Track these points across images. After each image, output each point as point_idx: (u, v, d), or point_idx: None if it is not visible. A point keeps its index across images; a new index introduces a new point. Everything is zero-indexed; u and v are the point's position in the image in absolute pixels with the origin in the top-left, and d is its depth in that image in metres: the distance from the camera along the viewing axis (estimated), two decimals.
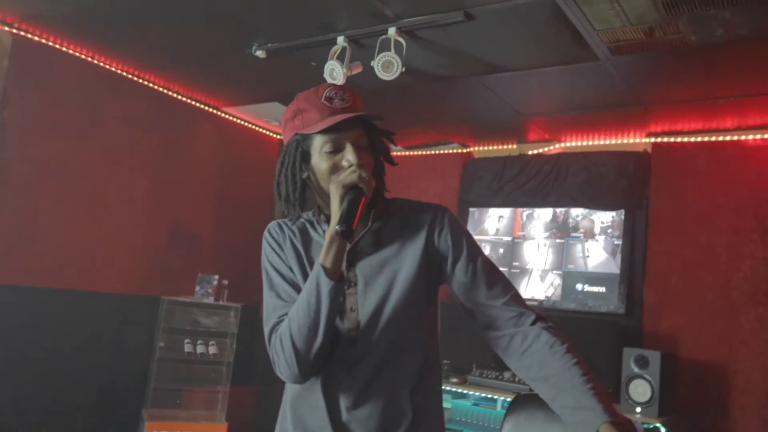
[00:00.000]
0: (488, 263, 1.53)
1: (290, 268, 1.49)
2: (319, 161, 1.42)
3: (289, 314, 1.41)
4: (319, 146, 1.42)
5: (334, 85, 1.47)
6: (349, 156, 1.40)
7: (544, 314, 1.46)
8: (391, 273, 1.48)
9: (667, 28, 2.49)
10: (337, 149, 1.41)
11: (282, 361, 1.38)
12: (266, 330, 1.43)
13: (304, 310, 1.38)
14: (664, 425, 3.22)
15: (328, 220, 1.46)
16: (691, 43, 2.61)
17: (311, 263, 1.48)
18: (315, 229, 1.52)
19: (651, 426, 3.19)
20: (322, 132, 1.40)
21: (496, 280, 1.50)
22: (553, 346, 1.38)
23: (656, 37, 2.58)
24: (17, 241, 3.40)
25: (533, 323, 1.42)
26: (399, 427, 1.43)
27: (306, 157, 1.45)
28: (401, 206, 1.58)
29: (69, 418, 3.62)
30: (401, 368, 1.46)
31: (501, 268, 3.26)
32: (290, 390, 1.51)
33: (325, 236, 1.43)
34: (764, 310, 3.36)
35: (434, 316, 1.60)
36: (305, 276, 1.46)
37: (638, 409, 3.19)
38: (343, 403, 1.44)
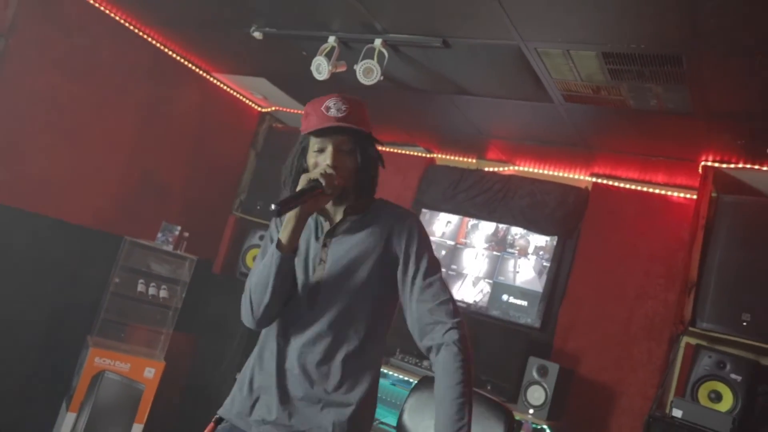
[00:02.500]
0: (431, 271, 1.70)
1: None
2: (310, 157, 1.70)
3: (250, 273, 1.70)
4: (311, 146, 1.70)
5: (338, 96, 1.71)
6: (325, 157, 1.67)
7: (459, 322, 1.65)
8: (354, 256, 1.71)
9: (611, 90, 2.81)
10: (321, 150, 1.68)
11: (242, 308, 1.70)
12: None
13: (260, 272, 1.67)
14: (550, 428, 3.56)
15: (320, 209, 1.74)
16: (630, 106, 2.92)
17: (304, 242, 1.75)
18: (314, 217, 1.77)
19: (539, 427, 3.54)
20: (313, 134, 1.68)
21: (430, 286, 1.68)
22: (446, 365, 1.62)
23: (602, 95, 2.90)
24: (3, 156, 3.51)
25: (444, 333, 1.63)
26: (325, 385, 1.66)
27: (304, 152, 1.73)
28: (380, 206, 1.80)
29: (18, 332, 3.74)
30: (343, 337, 1.69)
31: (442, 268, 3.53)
32: (260, 339, 1.79)
33: (310, 220, 1.75)
34: (655, 344, 3.71)
35: (387, 304, 1.78)
36: None
37: (531, 411, 3.50)
38: (291, 354, 1.69)
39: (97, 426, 3.89)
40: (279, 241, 1.65)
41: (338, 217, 1.76)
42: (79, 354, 4.03)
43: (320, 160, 1.67)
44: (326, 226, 1.77)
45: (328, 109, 1.67)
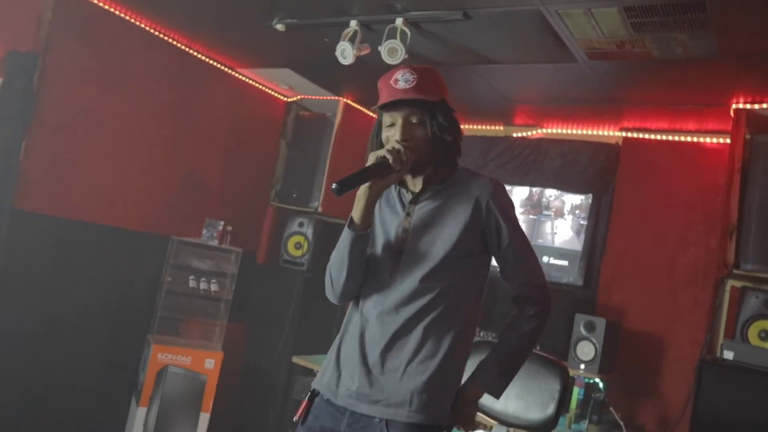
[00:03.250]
0: (521, 244, 1.74)
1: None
2: (383, 132, 1.70)
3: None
4: (383, 120, 1.70)
5: (406, 67, 1.68)
6: (395, 131, 1.66)
7: (540, 299, 1.74)
8: (437, 225, 1.69)
9: (635, 43, 2.80)
10: (392, 124, 1.67)
11: (326, 285, 1.75)
12: None
13: (336, 250, 1.71)
14: (602, 381, 3.62)
15: (401, 181, 1.77)
16: (655, 57, 2.92)
17: (379, 209, 1.79)
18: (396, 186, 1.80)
19: (591, 381, 3.60)
20: (383, 108, 1.68)
21: (520, 260, 1.74)
22: (506, 328, 1.78)
23: (626, 49, 2.89)
24: (46, 174, 3.61)
25: (530, 313, 1.73)
26: (405, 353, 1.64)
27: (380, 128, 1.71)
28: (464, 175, 1.76)
29: (84, 335, 3.88)
30: (424, 306, 1.65)
31: None
32: (347, 311, 1.82)
33: (393, 192, 1.80)
34: (699, 291, 3.73)
35: (473, 272, 1.75)
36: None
37: (582, 366, 3.55)
38: (372, 324, 1.68)
39: (167, 417, 4.05)
40: (351, 219, 1.66)
41: (418, 188, 1.74)
42: (142, 351, 4.17)
43: (391, 134, 1.66)
44: (408, 196, 1.76)
45: (396, 81, 1.65)
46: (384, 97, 1.66)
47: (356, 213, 1.66)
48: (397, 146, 1.61)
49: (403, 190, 1.77)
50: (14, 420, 3.61)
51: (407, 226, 1.71)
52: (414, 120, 1.66)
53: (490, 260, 1.80)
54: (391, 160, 1.58)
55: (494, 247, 1.73)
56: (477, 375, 1.73)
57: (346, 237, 1.67)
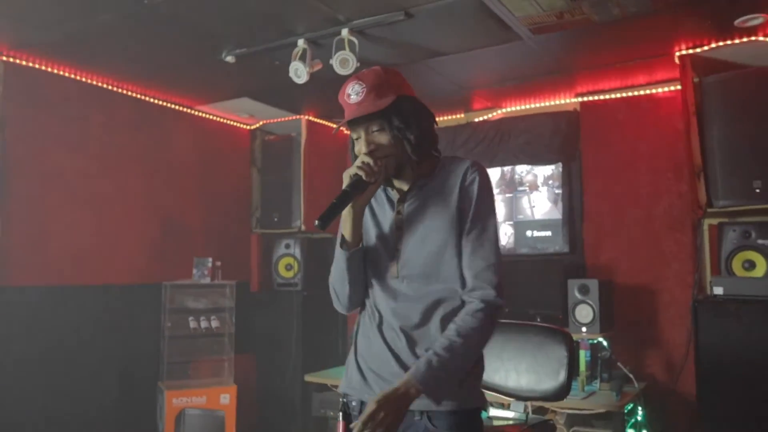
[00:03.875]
0: (484, 233, 1.62)
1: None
2: (355, 145, 1.66)
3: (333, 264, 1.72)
4: (352, 135, 1.68)
5: (355, 78, 1.63)
6: (361, 145, 1.62)
7: (488, 299, 1.57)
8: (428, 218, 1.65)
9: (574, 11, 2.85)
10: (358, 137, 1.64)
11: (332, 298, 1.74)
12: None
13: (334, 268, 1.72)
14: (605, 339, 3.68)
15: (387, 183, 1.72)
16: (595, 21, 2.97)
17: (371, 212, 1.75)
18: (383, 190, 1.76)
19: (595, 341, 3.65)
20: (348, 125, 1.65)
21: (478, 249, 1.61)
22: (449, 330, 1.57)
23: (566, 18, 2.94)
24: (28, 245, 3.58)
25: (480, 299, 1.57)
26: (426, 345, 1.60)
27: (353, 141, 1.68)
28: (448, 163, 1.70)
29: (95, 396, 3.85)
30: (436, 297, 1.62)
31: None
32: (359, 314, 1.78)
33: (381, 193, 1.75)
34: (680, 235, 3.81)
35: None
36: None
37: (583, 329, 3.60)
38: (389, 322, 1.65)
39: None
40: (343, 238, 1.65)
41: (406, 186, 1.71)
42: (156, 400, 4.15)
43: (359, 148, 1.64)
44: (395, 194, 1.73)
45: (348, 96, 1.61)
46: (346, 115, 1.64)
47: (346, 232, 1.65)
48: (366, 159, 1.58)
49: (389, 189, 1.75)
50: None
51: (400, 225, 1.69)
52: (375, 129, 1.62)
53: None
54: (363, 176, 1.56)
55: (463, 230, 1.64)
56: (417, 374, 1.52)
57: (341, 256, 1.67)
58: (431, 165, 1.70)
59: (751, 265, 3.35)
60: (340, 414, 1.66)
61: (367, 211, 1.74)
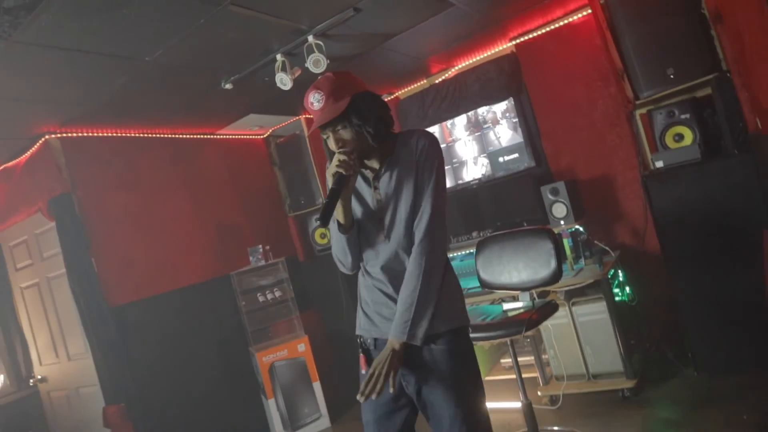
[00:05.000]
0: (431, 198, 1.58)
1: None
2: (329, 143, 1.63)
3: (331, 241, 1.71)
4: (323, 135, 1.63)
5: (313, 86, 1.57)
6: (332, 143, 1.59)
7: (426, 249, 1.57)
8: (398, 187, 1.62)
9: None
10: (327, 137, 1.61)
11: (338, 266, 1.72)
12: None
13: (336, 245, 1.70)
14: (581, 225, 3.62)
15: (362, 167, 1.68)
16: None
17: (355, 192, 1.70)
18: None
19: (574, 229, 3.59)
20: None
21: (425, 214, 1.58)
22: (409, 272, 1.59)
23: None
24: (117, 273, 3.59)
25: (417, 256, 1.58)
26: (400, 283, 1.63)
27: (326, 143, 1.65)
28: (404, 138, 1.66)
29: (205, 368, 3.92)
30: (407, 250, 1.62)
31: (446, 165, 3.60)
32: (359, 273, 1.77)
33: (362, 178, 1.70)
34: (620, 128, 3.70)
35: None
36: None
37: (561, 222, 3.55)
38: (381, 275, 1.66)
39: (290, 398, 4.09)
40: (339, 223, 1.63)
41: (376, 165, 1.66)
42: (250, 361, 4.19)
43: (331, 146, 1.61)
44: (369, 174, 1.68)
45: (312, 105, 1.58)
46: (314, 121, 1.60)
47: (340, 218, 1.63)
48: (341, 157, 1.54)
49: (363, 170, 1.69)
50: (184, 423, 3.68)
51: (379, 198, 1.66)
52: (339, 128, 1.58)
53: None
54: (344, 171, 1.54)
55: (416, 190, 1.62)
56: (394, 333, 1.57)
57: (340, 237, 1.65)
58: (392, 143, 1.66)
59: (680, 137, 3.25)
60: (360, 350, 1.72)
61: (354, 202, 1.71)
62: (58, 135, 3.52)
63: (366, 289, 1.73)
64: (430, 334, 1.57)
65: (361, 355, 1.71)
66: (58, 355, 3.98)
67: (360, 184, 1.71)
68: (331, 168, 1.56)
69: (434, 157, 1.62)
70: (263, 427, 4.15)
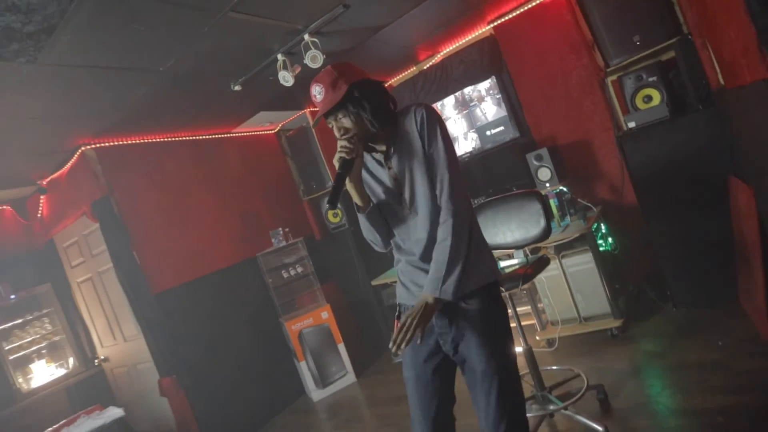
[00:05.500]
0: (442, 161, 1.48)
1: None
2: (334, 131, 1.56)
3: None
4: (328, 124, 1.57)
5: (315, 80, 1.50)
6: (336, 132, 1.52)
7: (452, 210, 1.47)
8: (411, 164, 1.53)
9: None
10: (331, 125, 1.55)
11: (372, 245, 1.66)
12: None
13: (363, 227, 1.63)
14: (564, 186, 3.57)
15: (369, 150, 1.61)
16: None
17: (371, 176, 1.63)
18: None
19: (558, 189, 3.55)
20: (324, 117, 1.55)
21: (442, 177, 1.48)
22: (440, 238, 1.48)
23: None
24: (156, 263, 3.62)
25: (445, 219, 1.48)
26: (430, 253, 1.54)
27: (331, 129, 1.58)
28: (403, 116, 1.55)
29: (244, 338, 3.97)
30: (432, 221, 1.52)
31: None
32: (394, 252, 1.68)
33: (369, 159, 1.62)
34: (593, 96, 3.62)
35: None
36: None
37: (547, 185, 3.52)
38: (414, 247, 1.57)
39: (319, 358, 4.15)
40: (357, 205, 1.57)
41: (384, 147, 1.58)
42: (282, 330, 4.24)
43: (336, 134, 1.54)
44: (380, 156, 1.60)
45: (315, 97, 1.53)
46: (318, 111, 1.55)
47: (355, 199, 1.56)
48: (342, 143, 1.48)
49: (374, 154, 1.62)
50: (229, 388, 3.74)
51: (395, 176, 1.58)
52: (339, 116, 1.51)
53: None
54: (346, 156, 1.47)
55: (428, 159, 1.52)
56: (427, 289, 1.49)
57: (362, 218, 1.58)
58: (395, 123, 1.56)
59: (648, 98, 3.18)
60: (396, 316, 1.65)
61: (368, 177, 1.63)
62: (93, 146, 3.52)
63: (401, 262, 1.66)
64: (462, 292, 1.49)
65: (396, 321, 1.64)
66: (116, 338, 4.06)
67: (375, 167, 1.63)
68: (336, 155, 1.50)
69: (434, 122, 1.51)
70: (298, 386, 4.22)
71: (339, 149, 1.48)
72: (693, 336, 2.83)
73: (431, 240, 1.52)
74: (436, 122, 1.51)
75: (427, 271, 1.53)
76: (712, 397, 2.24)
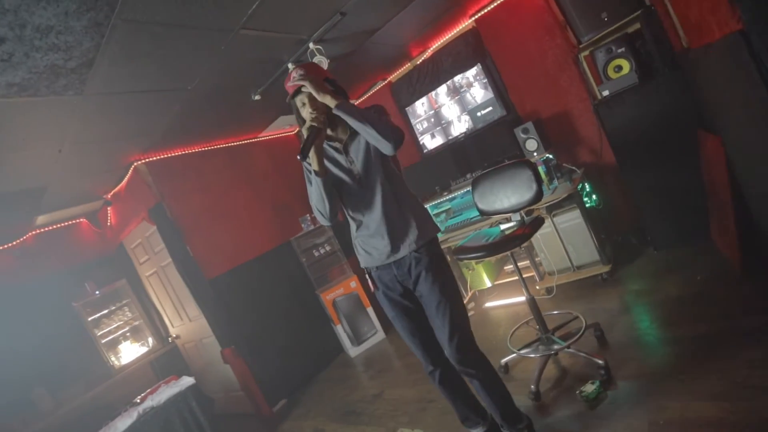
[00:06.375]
0: (389, 117, 1.58)
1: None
2: (301, 111, 1.63)
3: (309, 196, 1.66)
4: (297, 104, 1.64)
5: (296, 68, 1.61)
6: (307, 107, 1.59)
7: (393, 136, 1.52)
8: (363, 148, 1.63)
9: None
10: (303, 104, 1.61)
11: (317, 218, 1.66)
12: None
13: (314, 194, 1.62)
14: (550, 154, 3.43)
15: (329, 139, 1.68)
16: None
17: (334, 164, 1.67)
18: None
19: (544, 158, 3.41)
20: (295, 96, 1.63)
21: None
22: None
23: None
24: (207, 254, 3.62)
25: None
26: (398, 223, 1.65)
27: (297, 110, 1.66)
28: None
29: (289, 311, 3.97)
30: (387, 193, 1.63)
31: (436, 127, 3.46)
32: (351, 226, 1.74)
33: (330, 150, 1.67)
34: (569, 72, 3.43)
35: (397, 165, 1.75)
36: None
37: (535, 154, 3.37)
38: (372, 218, 1.65)
39: (353, 321, 4.13)
40: (315, 171, 1.60)
41: (344, 136, 1.68)
42: (318, 301, 4.22)
43: (305, 110, 1.60)
44: (338, 145, 1.68)
45: (293, 78, 1.58)
46: (292, 90, 1.61)
47: (315, 165, 1.59)
48: (313, 114, 1.56)
49: (334, 144, 1.69)
50: (279, 353, 3.77)
51: (351, 159, 1.66)
52: (313, 96, 1.59)
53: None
54: (316, 124, 1.55)
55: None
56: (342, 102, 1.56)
57: (317, 182, 1.61)
58: (337, 121, 1.66)
59: (619, 68, 3.00)
60: (367, 276, 1.76)
61: (331, 166, 1.67)
62: (143, 161, 3.49)
63: (361, 236, 1.72)
64: (414, 248, 1.63)
65: (369, 279, 1.76)
66: (182, 319, 4.10)
67: (333, 154, 1.68)
68: (307, 123, 1.56)
69: (377, 110, 1.60)
70: (337, 346, 4.24)
71: (311, 119, 1.56)
72: (674, 273, 2.72)
73: (384, 213, 1.61)
74: (377, 110, 1.60)
75: (381, 236, 1.63)
76: (695, 325, 2.15)
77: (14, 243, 3.94)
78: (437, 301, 1.63)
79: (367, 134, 1.51)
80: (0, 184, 2.78)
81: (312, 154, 1.58)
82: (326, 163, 1.66)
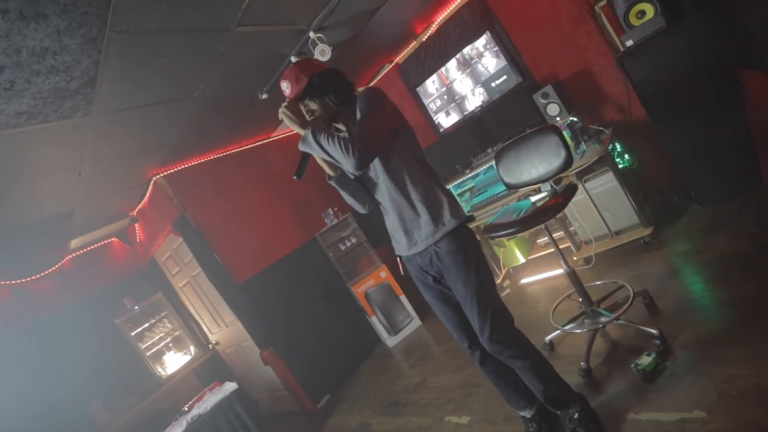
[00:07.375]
0: (367, 117, 1.48)
1: None
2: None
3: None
4: None
5: (282, 78, 1.59)
6: (306, 117, 1.58)
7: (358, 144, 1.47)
8: None
9: None
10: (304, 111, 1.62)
11: (354, 208, 1.71)
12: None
13: (343, 194, 1.73)
14: (575, 116, 3.23)
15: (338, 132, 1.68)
16: None
17: None
18: None
19: (569, 121, 3.21)
20: None
21: (361, 121, 1.49)
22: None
23: None
24: (235, 258, 3.62)
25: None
26: (414, 211, 1.61)
27: None
28: (356, 99, 1.60)
29: (323, 304, 3.96)
30: (401, 182, 1.60)
31: (450, 104, 3.28)
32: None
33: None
34: (586, 26, 3.19)
35: (406, 147, 1.61)
36: None
37: (558, 118, 3.18)
38: (391, 206, 1.64)
39: (387, 311, 4.08)
40: (328, 175, 1.64)
41: (353, 126, 1.65)
42: (349, 294, 4.19)
43: (306, 117, 1.60)
44: (346, 135, 1.65)
45: (284, 91, 1.59)
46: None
47: (327, 170, 1.66)
48: (311, 117, 1.58)
49: (343, 136, 1.63)
50: (317, 350, 3.76)
51: None
52: (306, 101, 1.58)
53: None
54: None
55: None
56: (315, 128, 1.51)
57: (337, 186, 1.67)
58: (354, 103, 1.61)
59: (642, 13, 2.76)
60: (398, 258, 1.77)
61: None
62: (161, 174, 3.50)
63: (387, 222, 1.73)
64: (432, 242, 1.60)
65: (399, 262, 1.78)
66: (219, 325, 4.15)
67: None
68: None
69: (364, 98, 1.54)
70: (374, 337, 4.20)
71: (310, 120, 1.56)
72: (725, 229, 2.52)
73: (395, 207, 1.60)
74: (368, 99, 1.53)
75: (398, 230, 1.62)
76: (756, 282, 1.96)
77: (54, 268, 4.06)
78: (462, 296, 1.62)
79: (332, 160, 1.49)
80: (29, 213, 2.84)
81: (320, 160, 1.61)
82: None
